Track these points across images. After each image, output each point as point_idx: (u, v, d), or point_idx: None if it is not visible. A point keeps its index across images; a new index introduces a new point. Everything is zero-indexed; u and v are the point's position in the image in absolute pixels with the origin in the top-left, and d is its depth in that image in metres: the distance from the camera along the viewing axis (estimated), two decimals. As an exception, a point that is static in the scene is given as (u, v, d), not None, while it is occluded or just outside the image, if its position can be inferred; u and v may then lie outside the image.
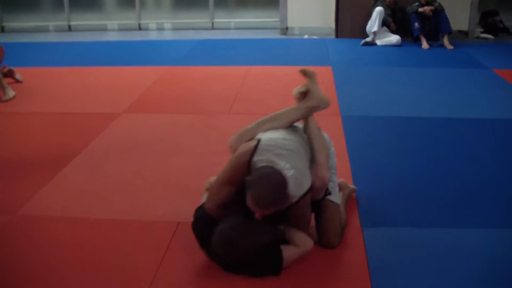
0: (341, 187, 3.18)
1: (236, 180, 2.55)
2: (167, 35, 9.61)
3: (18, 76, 6.06)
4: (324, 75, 6.19)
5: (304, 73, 2.96)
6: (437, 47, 7.67)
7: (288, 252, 2.54)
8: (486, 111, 4.93)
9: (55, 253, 2.79)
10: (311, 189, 2.56)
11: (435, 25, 7.70)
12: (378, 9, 7.76)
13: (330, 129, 4.39)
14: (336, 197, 2.84)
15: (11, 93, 5.54)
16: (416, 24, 7.66)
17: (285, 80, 6.00)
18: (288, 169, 2.47)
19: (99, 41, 8.92)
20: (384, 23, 7.85)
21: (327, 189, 2.75)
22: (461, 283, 2.49)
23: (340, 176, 3.47)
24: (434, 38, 7.79)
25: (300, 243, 2.57)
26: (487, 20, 8.90)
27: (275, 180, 2.37)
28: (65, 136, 4.44)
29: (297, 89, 2.92)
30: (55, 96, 5.62)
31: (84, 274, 2.61)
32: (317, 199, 2.69)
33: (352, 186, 3.32)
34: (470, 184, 3.49)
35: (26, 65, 6.99)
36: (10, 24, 10.15)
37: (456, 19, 8.12)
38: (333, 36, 8.58)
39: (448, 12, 7.70)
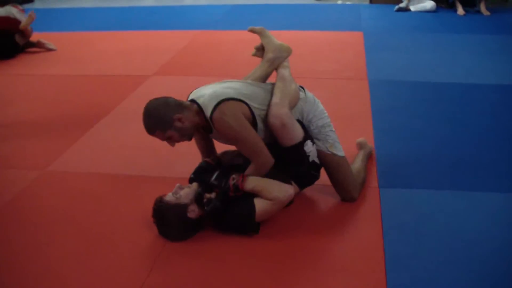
0: (361, 146, 3.24)
1: None
2: (202, 0, 9.62)
3: (50, 45, 6.13)
4: (355, 40, 6.16)
5: (253, 31, 2.96)
6: (473, 13, 7.50)
7: (261, 207, 2.54)
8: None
9: (80, 206, 2.93)
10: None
11: (472, -9, 7.53)
12: (414, -26, 7.62)
13: (356, 93, 4.47)
14: (337, 149, 2.81)
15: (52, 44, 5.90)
16: (452, -11, 7.51)
17: (315, 45, 5.99)
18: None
19: (134, 6, 9.00)
20: (419, -12, 7.71)
21: (307, 137, 2.70)
22: (472, 245, 2.51)
23: (360, 133, 3.52)
24: (470, 4, 7.60)
25: (271, 196, 2.53)
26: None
27: (149, 104, 2.61)
28: (96, 97, 4.56)
29: (254, 50, 2.99)
30: (89, 59, 5.74)
31: (107, 225, 2.74)
32: (285, 145, 2.63)
33: (370, 145, 3.34)
34: (491, 150, 3.47)
35: (62, 30, 7.14)
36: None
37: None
38: (367, 2, 8.47)
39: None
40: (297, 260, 2.45)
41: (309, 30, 6.72)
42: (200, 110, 2.59)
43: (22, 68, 5.52)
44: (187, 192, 2.55)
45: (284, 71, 2.82)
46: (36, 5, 9.49)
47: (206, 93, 2.62)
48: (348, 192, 2.82)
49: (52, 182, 3.20)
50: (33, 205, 2.96)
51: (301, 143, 2.65)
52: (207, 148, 2.88)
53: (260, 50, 2.95)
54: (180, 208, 2.50)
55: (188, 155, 3.24)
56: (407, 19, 7.34)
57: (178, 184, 2.60)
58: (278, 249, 2.51)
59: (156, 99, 2.61)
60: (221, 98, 2.55)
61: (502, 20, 7.18)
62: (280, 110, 2.56)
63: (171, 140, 2.61)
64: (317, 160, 2.77)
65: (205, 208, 2.53)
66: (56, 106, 4.39)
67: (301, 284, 2.31)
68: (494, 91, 4.50)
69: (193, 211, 2.53)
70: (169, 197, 2.55)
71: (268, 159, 2.60)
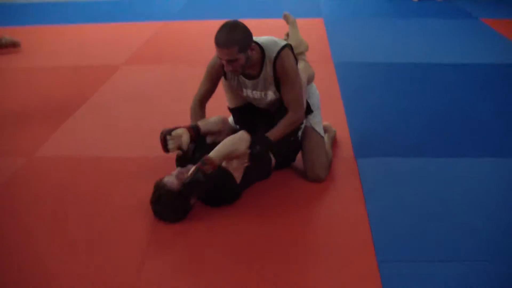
0: (326, 129, 3.39)
1: None
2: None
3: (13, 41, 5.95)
4: (316, 26, 6.37)
5: (286, 18, 3.28)
6: (426, 0, 7.81)
7: (235, 167, 2.73)
8: (471, 56, 5.15)
9: (70, 189, 3.03)
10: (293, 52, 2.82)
11: (424, -23, 7.82)
12: (368, -38, 7.86)
13: (323, 74, 4.67)
14: (320, 129, 3.04)
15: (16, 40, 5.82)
16: (406, -24, 7.79)
17: (277, 32, 6.15)
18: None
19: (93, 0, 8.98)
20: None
21: (308, 107, 2.98)
22: (456, 211, 2.73)
23: (333, 115, 3.73)
24: (424, -10, 7.92)
25: (235, 152, 2.70)
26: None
27: (232, 21, 2.64)
28: (68, 88, 4.62)
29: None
30: (55, 51, 5.75)
31: (95, 208, 2.85)
32: None
33: (333, 128, 3.46)
34: (451, 118, 3.78)
35: (23, 23, 7.10)
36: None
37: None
38: (324, -10, 8.69)
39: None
40: (286, 231, 2.61)
41: (271, 18, 6.89)
42: (262, 50, 2.75)
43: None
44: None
45: (300, 63, 3.08)
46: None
47: (262, 38, 2.78)
48: (317, 172, 2.94)
49: (41, 167, 3.28)
50: (24, 190, 3.04)
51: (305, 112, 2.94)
52: (201, 115, 2.99)
53: (286, 37, 3.26)
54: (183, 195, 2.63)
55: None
56: (364, 5, 7.59)
57: (179, 168, 2.71)
58: (264, 227, 2.63)
59: (239, 22, 2.65)
60: (284, 44, 2.78)
61: (453, 4, 7.52)
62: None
63: (234, 63, 2.66)
64: (300, 136, 2.97)
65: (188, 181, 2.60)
66: (33, 96, 4.44)
67: (293, 253, 2.48)
68: (449, 69, 4.81)
69: (193, 198, 2.67)
70: (172, 183, 2.63)
71: (303, 114, 2.87)
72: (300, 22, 6.61)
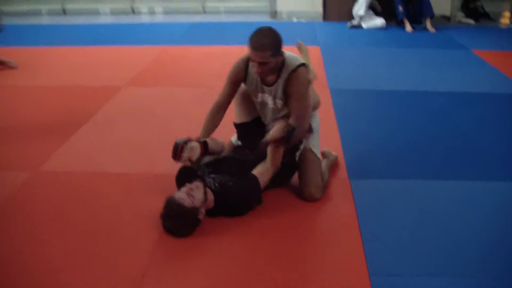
0: (325, 155, 3.52)
1: None
2: (159, 19, 9.87)
3: (11, 63, 6.04)
4: (313, 54, 6.51)
5: (299, 46, 3.55)
6: (420, 30, 8.03)
7: (262, 177, 2.94)
8: (462, 85, 5.33)
9: (74, 204, 3.13)
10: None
11: (419, 9, 8.04)
12: (364, -7, 8.11)
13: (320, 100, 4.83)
14: (317, 151, 3.20)
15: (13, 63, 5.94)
16: (400, 8, 8.01)
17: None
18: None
19: (94, 23, 9.16)
20: (370, 7, 8.20)
21: (310, 126, 3.14)
22: (445, 229, 2.86)
23: (329, 139, 3.87)
24: (417, 21, 8.14)
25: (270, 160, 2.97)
26: (469, 5, 9.26)
27: (267, 27, 2.92)
28: (72, 106, 4.76)
29: None
30: (57, 71, 5.90)
31: (102, 222, 2.95)
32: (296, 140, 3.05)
33: (334, 153, 3.61)
34: (441, 143, 3.95)
35: (25, 44, 7.26)
36: (4, 8, 10.33)
37: (439, 4, 8.49)
38: (321, 20, 8.91)
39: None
40: (284, 246, 2.73)
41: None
42: (283, 60, 2.98)
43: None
44: (199, 196, 2.78)
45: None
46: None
47: (286, 52, 3.01)
48: (312, 191, 3.07)
49: (44, 182, 3.40)
50: (27, 205, 3.13)
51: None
52: (213, 124, 3.19)
53: None
54: (194, 211, 2.75)
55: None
56: (360, 35, 7.81)
57: (188, 185, 2.83)
58: (264, 241, 2.75)
59: (273, 28, 2.93)
60: (303, 62, 2.99)
61: (446, 36, 7.73)
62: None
63: (264, 66, 2.88)
64: (297, 157, 3.12)
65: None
66: (38, 113, 4.57)
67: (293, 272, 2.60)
68: (441, 96, 4.98)
69: (202, 214, 2.80)
70: (183, 199, 2.74)
71: (305, 130, 3.05)
72: (297, 50, 6.84)
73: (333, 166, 3.52)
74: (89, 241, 2.76)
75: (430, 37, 7.67)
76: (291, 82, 2.97)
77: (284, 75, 2.99)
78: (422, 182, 3.36)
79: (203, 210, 2.79)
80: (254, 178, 2.91)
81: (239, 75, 3.12)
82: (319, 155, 3.21)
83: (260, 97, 3.14)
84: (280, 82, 3.01)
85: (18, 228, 2.89)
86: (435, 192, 3.24)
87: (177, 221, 2.73)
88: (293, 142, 3.00)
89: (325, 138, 3.82)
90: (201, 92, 5.00)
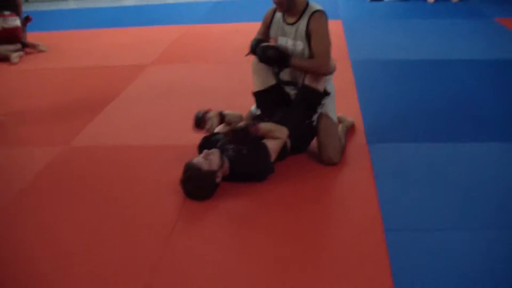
0: (340, 120, 3.61)
1: None
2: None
3: (41, 47, 6.29)
4: (335, 27, 6.59)
5: None
6: (442, 1, 8.01)
7: (272, 146, 3.05)
8: (481, 53, 5.36)
9: (105, 174, 3.31)
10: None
11: (441, -21, 8.01)
12: (385, -34, 8.10)
13: (340, 71, 4.88)
14: (334, 116, 3.32)
15: (43, 46, 6.15)
16: (422, -21, 8.00)
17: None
18: None
19: (119, 6, 9.35)
20: (391, -21, 8.19)
21: (325, 90, 3.28)
22: (461, 188, 2.95)
23: (348, 106, 3.98)
24: (440, -8, 8.11)
25: (279, 134, 3.09)
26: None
27: None
28: (99, 86, 4.94)
29: None
30: (85, 53, 6.10)
31: (129, 189, 3.13)
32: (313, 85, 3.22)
33: (350, 119, 3.72)
34: (459, 108, 4.02)
35: (49, 29, 7.47)
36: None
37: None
38: (343, -6, 8.93)
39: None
40: (304, 206, 2.87)
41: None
42: (306, 3, 3.22)
43: (25, 64, 5.86)
44: (215, 160, 2.93)
45: None
46: (25, 7, 9.76)
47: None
48: (330, 154, 3.19)
49: (74, 156, 3.58)
50: (60, 177, 3.32)
51: (323, 95, 3.24)
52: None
53: None
54: (212, 174, 2.89)
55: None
56: (381, 7, 7.83)
57: (206, 150, 2.98)
58: (282, 208, 2.86)
59: None
60: (323, 9, 3.23)
61: (468, 5, 7.71)
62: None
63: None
64: (315, 121, 3.23)
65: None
66: (66, 94, 4.76)
67: (309, 234, 2.73)
68: (460, 64, 5.02)
69: (219, 177, 2.94)
70: (201, 163, 2.89)
71: (329, 65, 3.20)
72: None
73: (350, 130, 3.63)
74: (116, 208, 2.92)
75: (452, 7, 7.66)
76: (313, 21, 3.16)
77: (307, 15, 3.18)
78: (439, 145, 3.44)
79: (220, 174, 2.93)
80: (264, 147, 3.02)
81: (268, 17, 3.38)
82: (335, 119, 3.32)
83: (280, 40, 3.32)
84: (302, 22, 3.19)
85: (53, 199, 3.08)
86: (452, 154, 3.32)
87: (197, 184, 2.88)
88: (308, 64, 3.20)
89: (344, 105, 3.94)
90: (222, 67, 5.14)
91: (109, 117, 4.16)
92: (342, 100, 4.10)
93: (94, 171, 3.35)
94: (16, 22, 6.07)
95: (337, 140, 3.24)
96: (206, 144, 3.17)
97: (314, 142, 3.36)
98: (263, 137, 3.06)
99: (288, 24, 3.27)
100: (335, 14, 7.39)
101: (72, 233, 2.72)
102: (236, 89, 4.42)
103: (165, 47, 6.08)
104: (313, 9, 3.19)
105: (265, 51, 3.21)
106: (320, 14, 3.18)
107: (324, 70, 3.19)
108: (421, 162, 3.23)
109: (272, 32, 3.37)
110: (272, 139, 3.07)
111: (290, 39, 3.27)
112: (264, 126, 3.08)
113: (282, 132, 3.11)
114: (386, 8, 7.77)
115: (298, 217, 2.75)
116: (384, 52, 5.52)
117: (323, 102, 3.26)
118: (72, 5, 9.84)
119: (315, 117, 3.26)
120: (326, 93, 3.26)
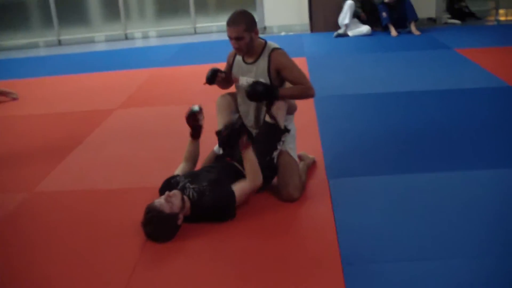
0: (302, 158, 3.68)
1: None
2: (152, 42, 10.13)
3: (13, 95, 6.25)
4: (299, 65, 6.66)
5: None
6: (405, 34, 8.22)
7: (239, 189, 3.08)
8: (443, 83, 5.50)
9: (69, 220, 3.32)
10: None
11: (403, 14, 8.24)
12: (349, 2, 8.31)
13: (303, 108, 4.96)
14: (294, 154, 3.39)
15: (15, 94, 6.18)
16: (384, 14, 8.21)
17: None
18: None
19: (88, 51, 9.42)
20: (354, 15, 8.39)
21: (285, 127, 3.34)
22: (421, 219, 2.99)
23: (309, 142, 4.04)
24: (402, 26, 8.33)
25: (253, 178, 3.12)
26: (454, 6, 9.45)
27: (241, 9, 3.31)
28: (68, 130, 4.96)
29: None
30: (51, 100, 6.11)
31: (89, 234, 3.13)
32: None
33: (311, 156, 3.78)
34: (427, 139, 4.10)
35: (20, 77, 7.48)
36: (2, 42, 10.63)
37: (424, 7, 8.71)
38: (308, 31, 9.12)
39: (416, 0, 8.26)
40: (265, 242, 2.91)
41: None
42: (264, 43, 3.35)
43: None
44: (177, 202, 2.95)
45: None
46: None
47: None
48: (290, 191, 3.22)
49: (39, 202, 3.59)
50: (23, 224, 3.32)
51: (283, 131, 3.30)
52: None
53: None
54: (173, 217, 2.91)
55: (159, 169, 3.70)
56: (346, 43, 8.02)
57: (167, 192, 3.00)
58: (246, 241, 2.90)
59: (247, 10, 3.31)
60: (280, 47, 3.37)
61: (430, 37, 7.94)
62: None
63: (240, 41, 3.22)
64: (275, 158, 3.29)
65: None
66: (33, 140, 4.78)
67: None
68: (423, 95, 5.15)
69: (180, 219, 2.96)
70: (163, 205, 2.91)
71: (312, 88, 3.33)
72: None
73: (311, 167, 3.68)
74: (79, 251, 2.93)
75: (415, 40, 7.87)
76: (276, 58, 3.29)
77: (266, 54, 3.32)
78: (399, 176, 3.50)
79: (181, 216, 2.95)
80: (231, 193, 3.05)
81: (230, 59, 3.55)
82: (296, 158, 3.39)
83: (241, 80, 3.43)
84: (261, 61, 3.33)
85: (17, 244, 3.07)
86: (413, 186, 3.38)
87: (158, 226, 2.90)
88: (291, 108, 3.37)
89: (306, 142, 4.01)
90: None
91: (75, 161, 4.18)
92: (304, 137, 4.17)
93: (56, 217, 3.35)
94: None
95: (297, 177, 3.29)
96: (167, 187, 3.19)
97: (274, 179, 3.40)
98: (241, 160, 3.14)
99: (247, 63, 3.39)
100: (299, 51, 7.56)
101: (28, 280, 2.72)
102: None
103: (133, 91, 6.14)
104: (271, 48, 3.33)
105: (255, 87, 3.24)
106: (280, 51, 3.34)
107: (312, 92, 3.36)
108: (380, 195, 3.29)
109: (234, 72, 3.49)
110: (243, 181, 3.11)
111: (250, 78, 3.36)
112: (251, 156, 3.12)
113: (256, 178, 3.13)
114: (351, 43, 7.95)
115: (257, 253, 2.78)
116: (348, 87, 5.64)
117: (283, 139, 3.31)
118: (42, 53, 9.90)
119: (275, 154, 3.31)
120: (286, 130, 3.32)
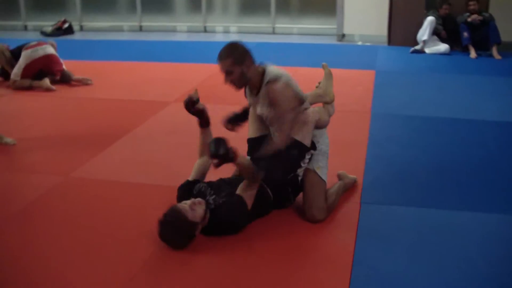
0: (340, 177, 3.54)
1: None
2: (229, 38, 10.15)
3: (88, 81, 6.39)
4: (366, 78, 6.54)
5: (324, 68, 3.60)
6: (485, 57, 7.83)
7: (246, 194, 3.00)
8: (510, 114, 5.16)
9: (91, 208, 3.36)
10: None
11: (485, 36, 7.85)
12: (430, 18, 8.00)
13: (356, 124, 4.84)
14: (322, 172, 3.21)
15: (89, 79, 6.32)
16: (465, 34, 7.86)
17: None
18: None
19: (167, 40, 9.60)
20: (434, 32, 8.07)
21: (313, 144, 3.19)
22: (442, 261, 2.81)
23: (353, 162, 3.88)
24: (483, 48, 7.94)
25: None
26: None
27: (232, 41, 3.18)
28: (118, 118, 5.06)
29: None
30: (118, 85, 6.28)
31: (105, 226, 3.16)
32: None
33: (352, 176, 3.61)
34: (475, 174, 3.82)
35: (99, 59, 7.75)
36: (88, 23, 11.00)
37: (508, 30, 8.21)
38: (385, 44, 8.86)
39: (501, 23, 7.85)
40: (277, 263, 2.80)
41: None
42: (263, 73, 3.14)
43: (58, 92, 6.06)
44: (200, 212, 2.89)
45: (328, 107, 3.50)
46: (76, 36, 10.17)
47: (276, 69, 3.19)
48: (314, 213, 3.11)
49: (71, 187, 3.66)
50: (49, 207, 3.39)
51: (306, 148, 3.12)
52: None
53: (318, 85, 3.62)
54: (192, 225, 2.86)
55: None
56: (421, 60, 7.72)
57: (193, 199, 2.95)
58: (258, 258, 2.82)
59: (242, 43, 3.16)
60: (282, 74, 3.13)
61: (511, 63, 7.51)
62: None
63: (230, 75, 3.08)
64: (300, 176, 3.17)
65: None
66: (80, 124, 4.92)
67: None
68: (486, 126, 4.84)
69: (198, 230, 2.91)
70: (187, 211, 2.85)
71: (285, 135, 3.09)
72: (352, 73, 6.86)
73: (348, 188, 3.53)
74: (90, 244, 2.95)
75: (495, 64, 7.48)
76: (269, 93, 3.11)
77: (264, 85, 3.14)
78: (434, 211, 3.30)
79: (200, 227, 2.90)
80: (240, 198, 2.98)
81: (244, 91, 3.35)
82: (325, 177, 3.23)
83: (257, 109, 3.29)
84: (262, 93, 3.16)
85: (38, 228, 3.13)
86: (447, 223, 3.17)
87: (174, 230, 2.84)
88: (272, 147, 3.11)
89: (349, 159, 3.89)
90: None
91: (116, 152, 4.26)
92: (349, 155, 4.05)
93: (80, 205, 3.40)
94: (51, 49, 6.31)
95: (322, 198, 3.16)
96: (187, 191, 3.16)
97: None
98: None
99: (253, 95, 3.27)
100: (370, 64, 7.35)
101: (38, 265, 2.75)
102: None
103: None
104: (267, 79, 3.12)
105: (216, 148, 2.90)
106: (273, 85, 3.09)
107: (287, 140, 3.10)
108: (409, 228, 3.10)
109: (250, 102, 3.38)
110: (245, 189, 3.02)
111: (259, 107, 3.26)
112: (243, 161, 2.99)
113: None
114: (426, 61, 7.64)
115: (260, 274, 2.69)
116: (411, 107, 5.41)
117: (308, 156, 3.18)
118: (122, 37, 10.16)
119: (299, 171, 3.19)
120: (312, 147, 3.19)
